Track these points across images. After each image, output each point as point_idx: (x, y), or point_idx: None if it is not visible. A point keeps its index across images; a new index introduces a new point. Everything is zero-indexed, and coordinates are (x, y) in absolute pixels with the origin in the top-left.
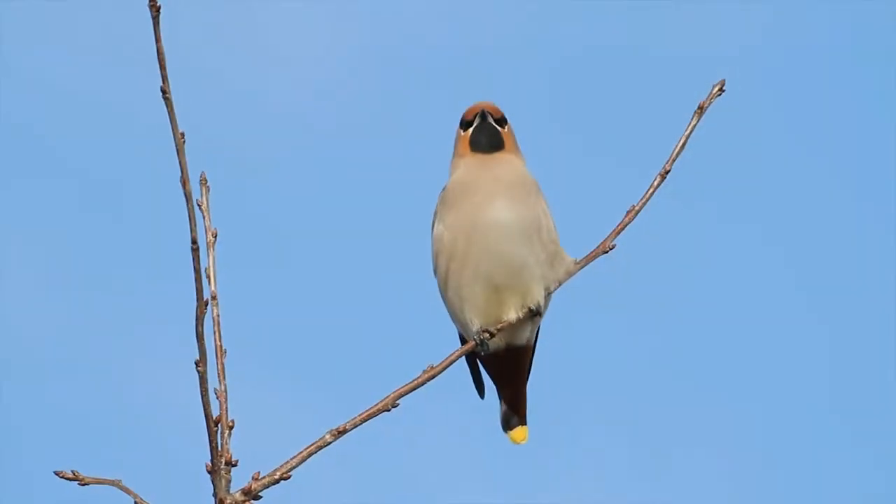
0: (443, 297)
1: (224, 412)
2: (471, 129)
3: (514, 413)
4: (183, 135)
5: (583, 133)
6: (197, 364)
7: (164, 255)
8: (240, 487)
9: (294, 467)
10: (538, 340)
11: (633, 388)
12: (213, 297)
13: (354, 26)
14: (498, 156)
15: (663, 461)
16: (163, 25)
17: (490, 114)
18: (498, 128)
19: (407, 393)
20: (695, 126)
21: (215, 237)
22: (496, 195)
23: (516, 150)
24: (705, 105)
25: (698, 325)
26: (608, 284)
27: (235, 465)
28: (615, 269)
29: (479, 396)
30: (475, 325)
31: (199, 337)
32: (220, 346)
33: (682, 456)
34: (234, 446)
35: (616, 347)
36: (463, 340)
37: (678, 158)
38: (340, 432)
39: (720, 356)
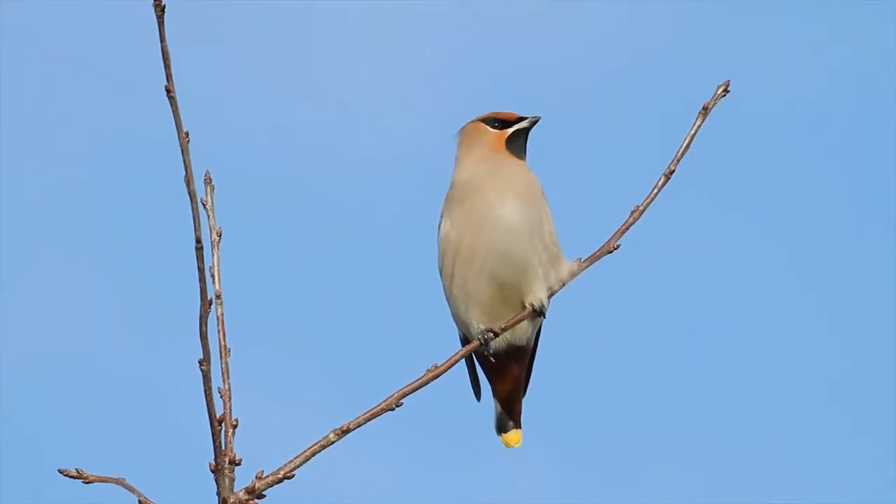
0: (447, 295)
1: (228, 411)
2: (513, 129)
3: (508, 416)
4: (187, 134)
5: (586, 135)
6: (200, 363)
7: (169, 253)
8: (244, 486)
9: (297, 466)
10: (538, 345)
11: (634, 390)
12: (218, 296)
13: (357, 26)
14: (505, 158)
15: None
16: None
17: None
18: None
19: (410, 392)
20: (699, 126)
21: (220, 236)
22: (505, 195)
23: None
24: (710, 105)
25: (700, 325)
26: (613, 285)
27: (239, 465)
28: (620, 269)
29: (475, 398)
30: (479, 324)
31: (203, 336)
32: (225, 345)
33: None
34: (238, 445)
35: (618, 348)
36: (464, 342)
37: (682, 159)
38: (344, 431)
39: (723, 357)
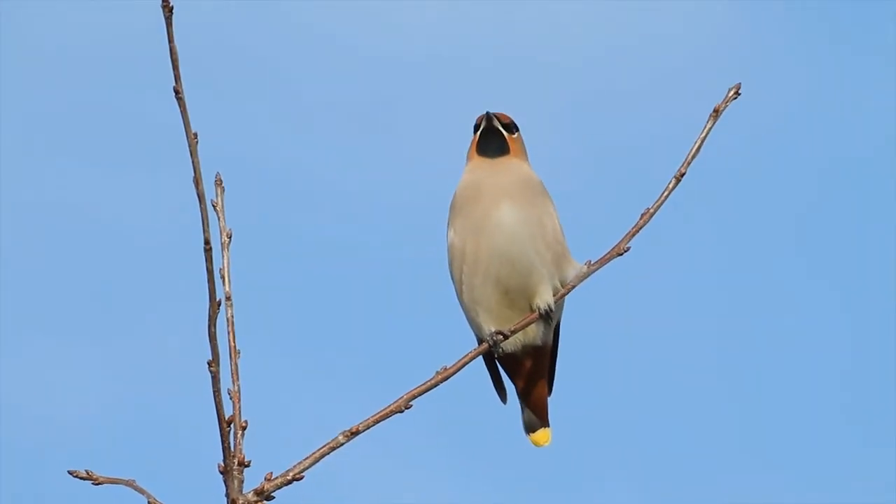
0: (459, 301)
1: (237, 412)
2: (478, 133)
3: (535, 416)
4: (196, 135)
5: (598, 137)
6: (210, 364)
7: (178, 254)
8: (252, 488)
9: (307, 468)
10: (559, 342)
11: (657, 390)
12: (228, 298)
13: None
14: (504, 160)
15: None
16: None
17: (497, 117)
18: (504, 132)
19: (420, 394)
20: (710, 129)
21: (230, 238)
22: (500, 198)
23: (523, 156)
24: (721, 108)
25: (708, 328)
26: (625, 287)
27: (248, 466)
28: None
29: (500, 401)
30: (488, 327)
31: (212, 337)
32: (234, 346)
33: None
34: (247, 447)
35: (638, 348)
36: (480, 344)
37: (693, 161)
38: (353, 433)
39: (726, 360)
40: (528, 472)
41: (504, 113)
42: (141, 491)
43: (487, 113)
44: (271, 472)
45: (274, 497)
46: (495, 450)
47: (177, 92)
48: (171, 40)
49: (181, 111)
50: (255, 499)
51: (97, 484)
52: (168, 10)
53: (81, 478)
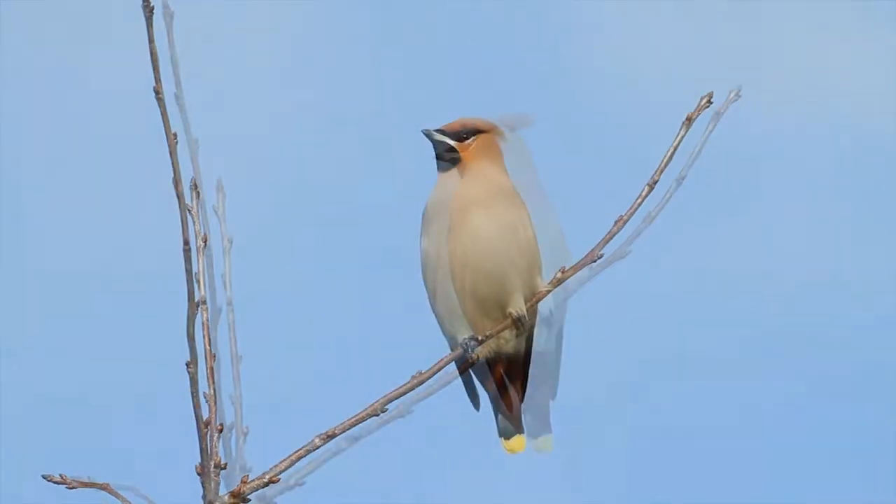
0: (432, 309)
1: (213, 415)
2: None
3: (508, 423)
4: (175, 136)
5: (574, 143)
6: (188, 365)
7: (169, 256)
8: (229, 490)
9: (283, 471)
10: (532, 349)
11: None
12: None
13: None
14: (472, 167)
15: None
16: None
17: (441, 130)
18: (452, 141)
19: (395, 398)
20: (683, 137)
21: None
22: (471, 206)
23: (490, 160)
24: (693, 116)
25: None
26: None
27: (224, 468)
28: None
29: (473, 408)
30: (462, 335)
31: (190, 338)
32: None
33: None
34: (247, 451)
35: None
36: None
37: (665, 169)
38: (329, 436)
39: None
40: (504, 478)
41: (457, 120)
42: (116, 495)
43: (422, 131)
44: (248, 475)
45: (250, 499)
46: (470, 457)
47: (157, 92)
48: (151, 41)
49: (161, 112)
50: (231, 501)
51: (71, 488)
52: (149, 11)
53: (55, 482)
